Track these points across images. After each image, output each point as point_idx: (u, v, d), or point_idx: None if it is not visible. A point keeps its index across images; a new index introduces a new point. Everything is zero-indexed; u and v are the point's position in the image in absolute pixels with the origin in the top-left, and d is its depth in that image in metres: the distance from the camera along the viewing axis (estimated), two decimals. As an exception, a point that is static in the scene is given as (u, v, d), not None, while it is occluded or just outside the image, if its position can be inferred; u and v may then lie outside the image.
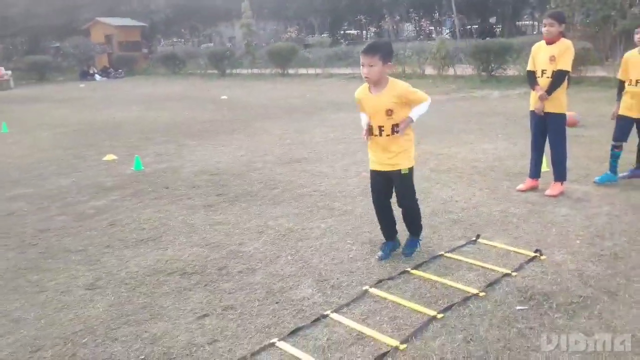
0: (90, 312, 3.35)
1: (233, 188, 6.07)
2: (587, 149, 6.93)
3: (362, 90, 3.76)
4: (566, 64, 4.89)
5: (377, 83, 3.61)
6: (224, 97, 16.69)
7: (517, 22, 47.48)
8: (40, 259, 4.28)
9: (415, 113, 3.69)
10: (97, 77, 29.95)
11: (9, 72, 26.91)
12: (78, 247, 4.47)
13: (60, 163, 7.93)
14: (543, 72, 5.03)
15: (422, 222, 4.01)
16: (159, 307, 3.37)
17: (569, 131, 8.11)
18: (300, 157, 7.52)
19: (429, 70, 19.36)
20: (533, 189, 5.32)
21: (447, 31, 39.66)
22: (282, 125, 10.62)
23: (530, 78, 5.21)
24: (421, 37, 36.06)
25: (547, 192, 5.15)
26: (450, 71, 18.65)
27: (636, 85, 5.23)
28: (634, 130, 5.46)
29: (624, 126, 5.41)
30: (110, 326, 3.16)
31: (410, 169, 3.77)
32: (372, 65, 3.50)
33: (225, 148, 8.47)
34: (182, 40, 44.46)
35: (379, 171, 3.80)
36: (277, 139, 9.07)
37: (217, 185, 6.25)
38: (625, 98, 5.37)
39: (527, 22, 50.57)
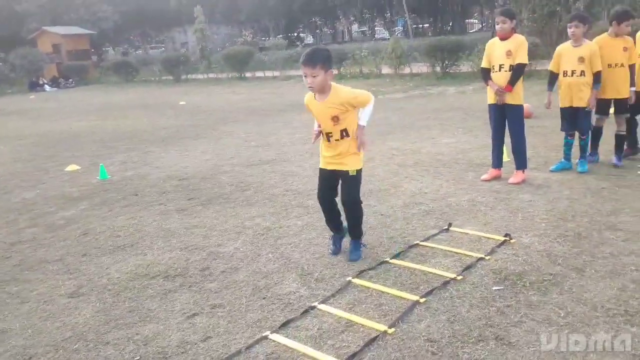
0: (77, 319, 3.35)
1: (204, 192, 6.09)
2: (543, 138, 7.26)
3: (309, 97, 3.77)
4: (524, 57, 5.16)
5: (321, 91, 3.62)
6: (182, 102, 16.55)
7: (466, 20, 48.78)
8: (16, 271, 4.21)
9: (364, 118, 3.70)
10: (47, 87, 29.10)
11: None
12: (54, 257, 4.42)
13: (21, 176, 7.75)
14: (501, 66, 5.28)
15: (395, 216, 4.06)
16: (146, 309, 3.40)
17: (526, 122, 8.48)
18: (268, 158, 7.59)
19: (386, 70, 19.71)
20: (496, 178, 5.56)
21: (400, 30, 40.39)
22: (245, 128, 10.65)
23: (485, 74, 5.45)
24: (375, 37, 36.60)
25: (510, 180, 5.40)
26: (407, 69, 19.03)
27: (571, 75, 5.46)
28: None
29: (567, 116, 5.66)
30: (100, 331, 3.18)
31: (358, 171, 3.79)
32: (314, 76, 3.48)
33: (191, 153, 8.45)
34: (133, 47, 43.72)
35: (327, 170, 3.84)
36: (242, 142, 9.10)
37: (187, 189, 6.26)
38: (562, 89, 5.61)
39: (475, 20, 51.97)
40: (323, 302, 3.29)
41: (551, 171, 5.70)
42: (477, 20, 51.61)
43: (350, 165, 3.75)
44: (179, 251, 4.33)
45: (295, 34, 52.13)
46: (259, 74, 24.79)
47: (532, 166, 5.91)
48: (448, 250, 3.90)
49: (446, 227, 4.36)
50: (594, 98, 5.42)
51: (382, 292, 3.36)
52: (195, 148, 8.85)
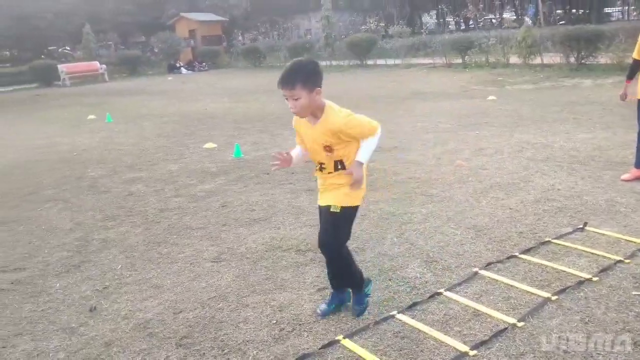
0: (220, 281, 3.70)
1: (330, 174, 6.32)
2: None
3: (297, 117, 3.01)
4: None
5: (309, 114, 2.92)
6: (307, 88, 17.04)
7: (605, 9, 44.92)
8: (166, 234, 4.72)
9: (363, 154, 2.91)
10: (183, 70, 31.28)
11: (104, 67, 28.70)
12: (198, 225, 4.88)
13: (165, 150, 8.53)
14: None
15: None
16: (281, 279, 3.67)
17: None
18: (391, 145, 7.66)
19: (514, 59, 18.83)
20: (639, 179, 5.20)
21: (530, 17, 38.24)
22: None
23: (634, 67, 5.08)
24: (505, 25, 34.96)
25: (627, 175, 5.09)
26: (537, 60, 18.04)
27: None
28: None
29: None
30: (240, 294, 3.49)
31: (345, 210, 2.96)
32: (295, 99, 2.78)
33: (317, 137, 8.74)
34: (261, 34, 45.57)
35: (321, 206, 3.06)
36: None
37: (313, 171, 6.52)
38: None
39: (615, 9, 47.68)
40: (449, 289, 3.34)
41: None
42: (617, 9, 47.27)
43: (334, 199, 2.95)
44: (309, 228, 4.58)
45: (419, 21, 51.24)
46: (380, 61, 24.78)
47: (682, 168, 5.44)
48: (583, 250, 3.76)
49: (581, 226, 4.18)
50: None
51: (511, 285, 3.34)
52: (320, 132, 9.14)
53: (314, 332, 3.00)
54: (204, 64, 32.70)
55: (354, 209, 3.04)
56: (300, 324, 3.08)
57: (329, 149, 2.90)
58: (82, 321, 3.31)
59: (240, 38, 46.47)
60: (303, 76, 2.80)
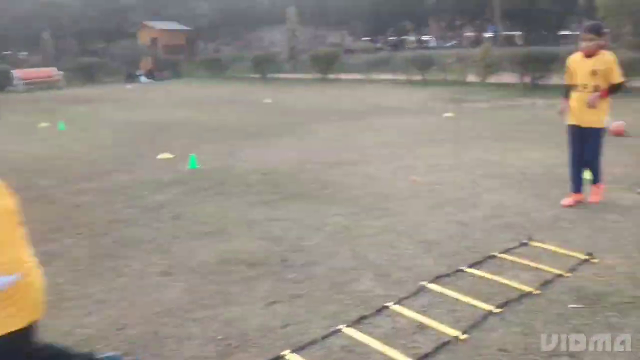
0: (166, 296, 3.64)
1: (287, 187, 6.33)
2: (637, 158, 6.92)
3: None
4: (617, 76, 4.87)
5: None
6: (268, 100, 17.06)
7: (561, 32, 46.71)
8: (114, 247, 4.61)
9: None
10: (143, 78, 30.82)
11: (61, 73, 28.02)
12: (148, 237, 4.79)
13: (120, 160, 8.36)
14: (585, 86, 4.98)
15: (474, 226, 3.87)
16: (230, 293, 3.63)
17: (618, 141, 8.12)
18: (350, 160, 7.73)
19: (471, 78, 19.33)
20: (579, 202, 5.26)
21: (490, 37, 39.40)
22: (327, 128, 10.86)
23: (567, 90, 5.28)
24: (464, 44, 35.95)
25: (590, 199, 5.21)
26: (494, 79, 18.57)
27: None
28: None
29: None
30: (187, 309, 3.44)
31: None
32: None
33: (276, 149, 8.76)
34: (224, 44, 45.47)
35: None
36: (325, 142, 9.31)
37: (271, 184, 6.52)
38: None
39: (571, 33, 49.62)
40: (397, 303, 3.38)
41: (638, 194, 5.45)
42: (570, 32, 49.20)
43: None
44: (262, 241, 4.56)
45: (382, 38, 52.06)
46: (344, 76, 25.04)
47: (623, 186, 5.68)
48: (526, 264, 3.86)
49: (526, 241, 4.30)
50: None
51: (456, 299, 3.40)
52: (280, 145, 9.15)
53: (261, 346, 2.97)
54: (165, 73, 32.33)
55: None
56: (247, 339, 3.05)
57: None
58: (20, 336, 3.19)
59: (203, 48, 46.22)
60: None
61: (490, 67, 18.51)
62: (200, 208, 5.61)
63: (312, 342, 2.98)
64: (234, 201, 5.82)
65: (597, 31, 4.92)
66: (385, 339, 2.97)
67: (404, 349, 2.87)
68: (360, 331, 3.06)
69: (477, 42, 39.42)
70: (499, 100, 14.70)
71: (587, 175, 5.44)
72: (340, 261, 4.09)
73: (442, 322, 3.12)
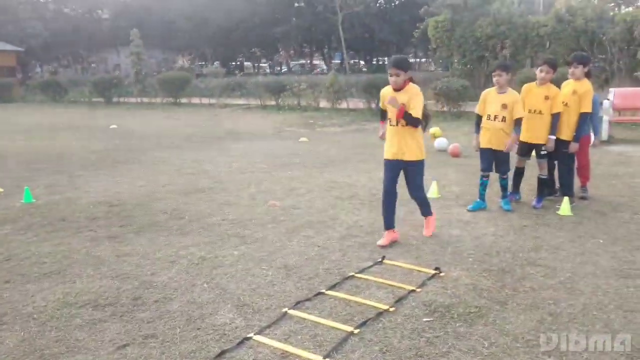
0: (-3, 350, 3.18)
1: (137, 219, 5.95)
2: (472, 177, 7.63)
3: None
4: (418, 111, 4.74)
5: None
6: (114, 126, 16.12)
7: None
8: None
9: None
10: (-33, 103, 27.49)
11: None
12: (-28, 284, 4.17)
13: None
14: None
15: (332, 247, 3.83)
16: (74, 339, 3.27)
17: (456, 160, 8.91)
18: (204, 186, 7.53)
19: (324, 103, 20.10)
20: (394, 241, 4.93)
21: (338, 65, 41.49)
22: (180, 154, 10.51)
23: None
24: (314, 71, 37.36)
25: (425, 232, 5.13)
26: (344, 104, 19.49)
27: (494, 120, 5.75)
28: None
29: (486, 157, 5.94)
30: (23, 363, 3.03)
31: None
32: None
33: (123, 178, 8.24)
34: (62, 67, 42.34)
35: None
36: (177, 169, 8.98)
37: (119, 216, 6.09)
38: (483, 131, 5.90)
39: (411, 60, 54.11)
40: (259, 332, 3.29)
41: (468, 210, 5.95)
42: (412, 60, 53.71)
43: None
44: (110, 279, 4.20)
45: (234, 63, 52.25)
46: (195, 100, 24.60)
47: (461, 203, 6.22)
48: (381, 282, 4.01)
49: (380, 259, 4.48)
50: (511, 142, 5.73)
51: (318, 323, 3.40)
52: (128, 173, 8.63)
53: (111, 397, 2.70)
54: (-7, 97, 29.10)
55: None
56: (94, 390, 2.75)
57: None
58: None
59: (38, 70, 42.56)
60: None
61: (338, 93, 19.40)
62: (37, 247, 5.03)
63: (170, 386, 2.77)
64: (76, 238, 5.32)
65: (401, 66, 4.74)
66: (248, 373, 2.87)
67: (267, 381, 2.79)
68: (221, 367, 2.92)
69: (327, 68, 41.27)
70: (349, 125, 15.43)
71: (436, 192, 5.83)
72: (196, 295, 3.90)
73: (304, 348, 3.10)
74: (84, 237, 5.33)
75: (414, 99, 4.71)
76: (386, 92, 4.93)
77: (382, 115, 5.18)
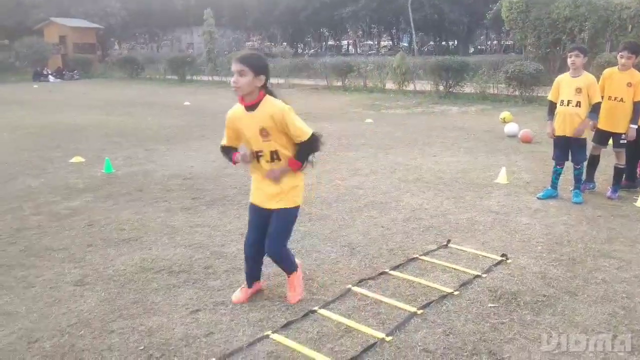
0: (82, 306, 3.44)
1: (208, 192, 6.19)
2: (543, 164, 7.39)
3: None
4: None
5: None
6: (187, 103, 16.65)
7: (470, 43, 49.27)
8: (22, 256, 4.29)
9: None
10: (51, 78, 29.16)
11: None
12: (60, 246, 4.50)
13: (26, 164, 7.83)
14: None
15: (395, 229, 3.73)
16: (150, 302, 3.49)
17: (527, 147, 8.64)
18: (272, 164, 7.68)
19: (390, 85, 19.89)
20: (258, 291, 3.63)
21: (406, 47, 40.83)
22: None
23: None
24: (382, 52, 36.98)
25: (290, 298, 3.49)
26: (411, 86, 19.22)
27: (567, 105, 5.50)
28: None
29: (560, 145, 5.70)
30: (105, 319, 3.26)
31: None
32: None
33: (196, 153, 8.55)
34: (139, 44, 44.04)
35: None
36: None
37: (191, 189, 6.35)
38: (557, 118, 5.63)
39: (482, 43, 52.51)
40: (323, 307, 3.38)
41: (538, 198, 5.77)
42: (479, 43, 52.08)
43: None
44: (183, 248, 4.42)
45: (302, 44, 52.46)
46: (264, 80, 24.91)
47: (531, 190, 6.05)
48: (446, 266, 4.01)
49: (445, 243, 4.47)
50: (583, 126, 5.48)
51: (381, 301, 3.46)
52: (200, 149, 8.94)
53: (185, 356, 2.87)
54: (75, 72, 30.74)
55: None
56: (170, 349, 2.94)
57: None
58: None
59: (116, 47, 44.40)
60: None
61: (406, 74, 19.13)
62: (117, 215, 5.36)
63: (238, 350, 2.92)
64: (152, 207, 5.61)
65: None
66: (312, 344, 2.97)
67: (331, 353, 2.88)
68: (288, 337, 3.03)
69: (394, 50, 40.71)
70: (415, 107, 15.22)
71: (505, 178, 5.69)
72: (264, 267, 4.01)
73: (367, 324, 3.17)
74: (160, 207, 5.61)
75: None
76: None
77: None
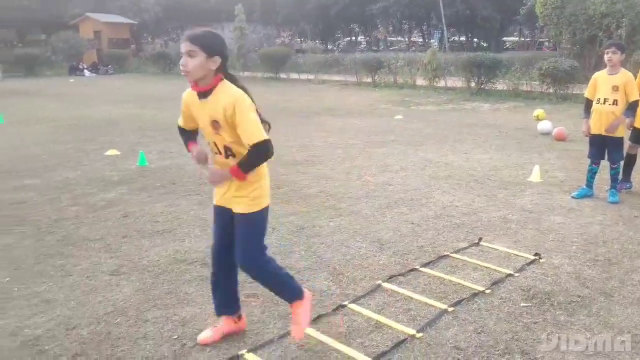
0: (118, 295, 3.53)
1: (239, 186, 6.24)
2: (578, 162, 7.24)
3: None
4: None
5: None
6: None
7: (503, 38, 48.40)
8: (60, 245, 4.42)
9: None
10: (87, 72, 29.82)
11: (-2, 64, 26.71)
12: (96, 236, 4.62)
13: (63, 156, 8.04)
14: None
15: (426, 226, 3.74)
16: (184, 293, 3.56)
17: (561, 145, 8.48)
18: (302, 159, 7.73)
19: (420, 81, 19.74)
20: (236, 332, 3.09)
21: (435, 43, 40.42)
22: (279, 128, 10.78)
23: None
24: (412, 48, 36.66)
25: (293, 333, 2.91)
26: (441, 83, 19.03)
27: (604, 103, 5.39)
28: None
29: (596, 144, 5.58)
30: (140, 309, 3.34)
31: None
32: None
33: (227, 148, 8.62)
34: (172, 40, 44.61)
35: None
36: (276, 142, 9.22)
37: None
38: (594, 116, 5.53)
39: (514, 39, 51.55)
40: (353, 301, 3.40)
41: (573, 197, 5.66)
42: (512, 40, 51.09)
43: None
44: (215, 241, 4.48)
45: (332, 40, 52.36)
46: (294, 75, 25.02)
47: (565, 189, 5.94)
48: (478, 264, 3.97)
49: (476, 241, 4.43)
50: (617, 123, 5.36)
51: (411, 298, 3.45)
52: (230, 143, 9.02)
53: (217, 347, 2.93)
54: (109, 67, 31.36)
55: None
56: (202, 339, 2.99)
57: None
58: (-42, 340, 3.01)
59: (150, 43, 45.07)
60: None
61: (437, 71, 18.94)
62: (150, 207, 5.46)
63: (269, 342, 2.96)
64: (185, 200, 5.70)
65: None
66: (343, 338, 2.99)
67: (361, 348, 2.90)
68: (318, 330, 3.06)
69: (424, 46, 40.35)
70: (446, 104, 15.07)
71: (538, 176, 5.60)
72: (294, 261, 4.07)
73: (398, 320, 3.17)
74: (192, 200, 5.70)
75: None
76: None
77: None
